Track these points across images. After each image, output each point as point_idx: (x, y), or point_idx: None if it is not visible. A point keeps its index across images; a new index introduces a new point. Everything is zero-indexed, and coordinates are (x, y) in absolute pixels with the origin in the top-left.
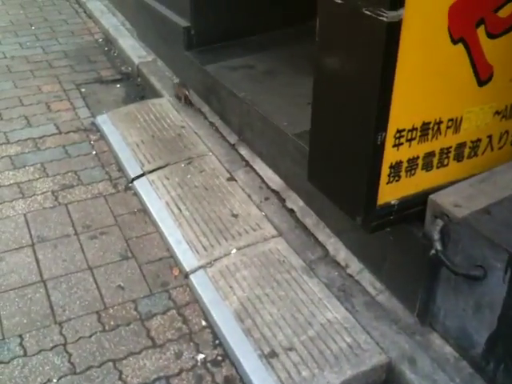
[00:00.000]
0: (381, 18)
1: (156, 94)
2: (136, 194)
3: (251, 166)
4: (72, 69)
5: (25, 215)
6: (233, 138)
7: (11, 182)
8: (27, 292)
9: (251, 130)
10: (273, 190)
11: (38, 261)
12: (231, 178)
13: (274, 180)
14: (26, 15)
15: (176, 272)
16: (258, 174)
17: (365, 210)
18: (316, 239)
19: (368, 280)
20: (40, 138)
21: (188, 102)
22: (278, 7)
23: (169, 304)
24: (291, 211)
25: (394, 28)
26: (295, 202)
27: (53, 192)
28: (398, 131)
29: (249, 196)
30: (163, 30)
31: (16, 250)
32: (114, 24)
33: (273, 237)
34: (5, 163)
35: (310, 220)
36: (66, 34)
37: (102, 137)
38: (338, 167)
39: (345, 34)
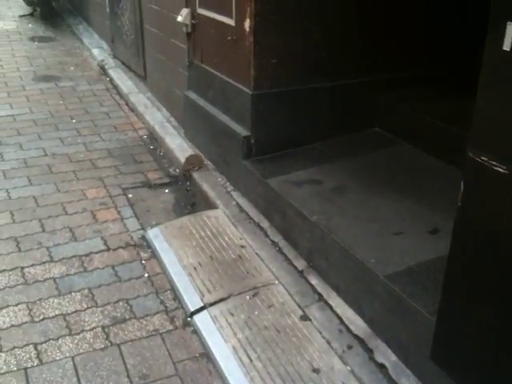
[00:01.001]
0: None
1: (209, 203)
2: (196, 331)
3: (326, 302)
4: (117, 170)
5: (73, 359)
6: (300, 264)
7: (56, 312)
8: None
9: (325, 258)
10: (356, 336)
11: None
12: (305, 317)
13: (356, 323)
14: (66, 106)
15: None
16: (335, 312)
17: None
18: None
19: None
20: (87, 255)
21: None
22: (338, 114)
23: None
24: (381, 366)
25: None
26: (386, 355)
27: (103, 328)
28: None
29: (328, 342)
30: (217, 134)
31: None
32: (160, 120)
33: None
34: (49, 287)
35: (408, 382)
36: (108, 130)
37: (154, 254)
38: (488, 360)
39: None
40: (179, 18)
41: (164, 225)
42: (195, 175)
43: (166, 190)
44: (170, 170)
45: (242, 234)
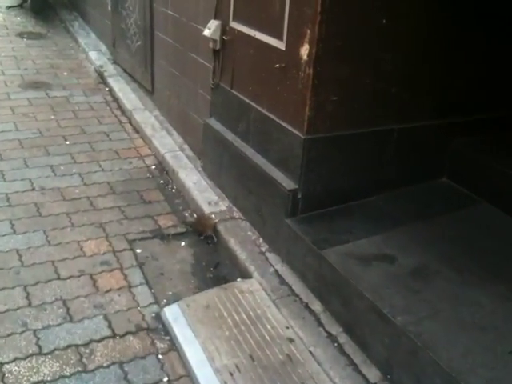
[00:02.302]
0: None
1: (238, 266)
2: None
3: None
4: (121, 213)
5: None
6: (373, 374)
7: None
8: None
9: (415, 379)
10: None
11: None
12: None
13: None
14: (59, 123)
15: None
16: None
17: None
18: None
19: None
20: (85, 344)
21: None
22: (402, 161)
23: None
24: None
25: None
26: None
27: None
28: None
29: None
30: (249, 178)
31: None
32: (171, 147)
33: None
34: None
35: None
36: (109, 156)
37: (174, 345)
38: None
39: None
40: (206, 32)
41: (185, 301)
42: (220, 227)
43: (183, 243)
44: (186, 214)
45: (287, 319)
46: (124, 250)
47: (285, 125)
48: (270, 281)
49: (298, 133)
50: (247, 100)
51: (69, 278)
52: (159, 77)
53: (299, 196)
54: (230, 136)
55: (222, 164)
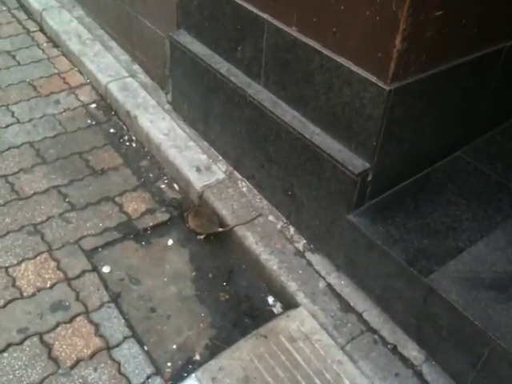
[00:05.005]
0: None
1: (263, 276)
2: None
3: None
4: (64, 199)
5: None
6: None
7: None
8: None
9: None
10: None
11: None
12: None
13: None
14: None
15: None
16: None
17: None
18: None
19: None
20: None
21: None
22: (500, 94)
23: None
24: None
25: None
26: None
27: None
28: None
29: None
30: (272, 145)
31: None
32: (115, 72)
33: None
34: None
35: None
36: (22, 94)
37: None
38: None
39: None
40: None
41: (208, 370)
42: (224, 211)
43: (170, 241)
44: (162, 185)
45: (373, 381)
46: (83, 272)
47: (343, 62)
48: (328, 308)
49: (375, 80)
50: (253, 9)
51: (5, 349)
52: None
53: (369, 178)
54: (223, 66)
55: (211, 107)
